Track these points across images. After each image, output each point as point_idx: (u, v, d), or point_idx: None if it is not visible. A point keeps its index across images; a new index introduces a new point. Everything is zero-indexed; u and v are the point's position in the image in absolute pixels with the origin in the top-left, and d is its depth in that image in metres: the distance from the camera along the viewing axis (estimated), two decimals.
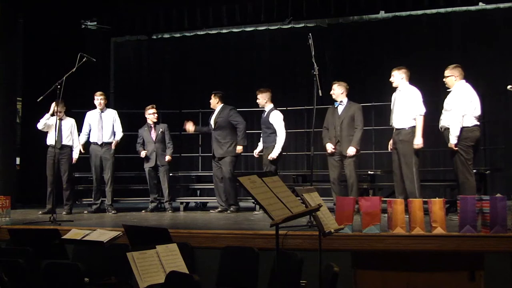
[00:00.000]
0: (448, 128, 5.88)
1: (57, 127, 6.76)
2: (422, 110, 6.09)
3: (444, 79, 6.05)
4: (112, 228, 4.85)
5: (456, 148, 5.78)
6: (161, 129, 7.82)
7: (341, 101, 6.66)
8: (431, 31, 9.76)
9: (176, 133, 8.77)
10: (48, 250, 4.28)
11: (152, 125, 7.84)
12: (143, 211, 7.68)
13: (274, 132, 7.08)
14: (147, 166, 7.78)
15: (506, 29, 9.10)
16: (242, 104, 8.53)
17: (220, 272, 4.27)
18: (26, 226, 5.75)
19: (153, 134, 7.80)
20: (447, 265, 4.53)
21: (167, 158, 7.74)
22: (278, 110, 7.23)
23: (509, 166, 8.64)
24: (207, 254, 4.71)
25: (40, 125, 7.27)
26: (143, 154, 7.75)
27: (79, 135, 7.61)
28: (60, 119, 7.23)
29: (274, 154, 6.99)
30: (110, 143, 7.59)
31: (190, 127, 7.73)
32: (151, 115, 7.83)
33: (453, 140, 5.78)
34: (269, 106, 7.23)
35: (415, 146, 6.05)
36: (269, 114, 7.13)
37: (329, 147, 6.63)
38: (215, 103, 7.55)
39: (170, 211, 7.66)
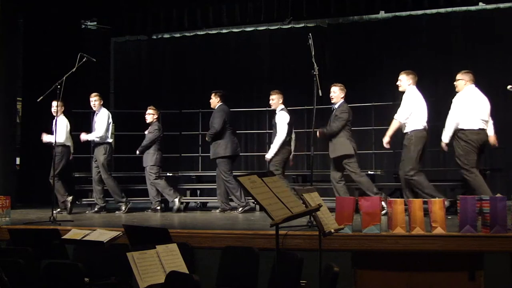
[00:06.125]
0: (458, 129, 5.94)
1: (55, 126, 6.72)
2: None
3: (455, 82, 6.10)
4: (112, 228, 4.85)
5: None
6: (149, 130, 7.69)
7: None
8: (431, 31, 9.76)
9: (176, 133, 8.75)
10: (48, 250, 4.28)
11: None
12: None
13: None
14: None
15: (506, 29, 9.09)
16: (242, 104, 8.52)
17: (220, 272, 4.27)
18: (26, 226, 5.75)
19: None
20: (447, 265, 4.53)
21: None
22: (286, 111, 7.09)
23: (509, 166, 8.64)
24: (207, 254, 4.71)
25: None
26: None
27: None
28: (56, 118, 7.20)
29: (268, 154, 6.88)
30: (101, 144, 7.44)
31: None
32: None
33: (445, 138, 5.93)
34: (280, 107, 7.13)
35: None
36: (276, 114, 7.06)
37: None
38: (216, 102, 7.42)
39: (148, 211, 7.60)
